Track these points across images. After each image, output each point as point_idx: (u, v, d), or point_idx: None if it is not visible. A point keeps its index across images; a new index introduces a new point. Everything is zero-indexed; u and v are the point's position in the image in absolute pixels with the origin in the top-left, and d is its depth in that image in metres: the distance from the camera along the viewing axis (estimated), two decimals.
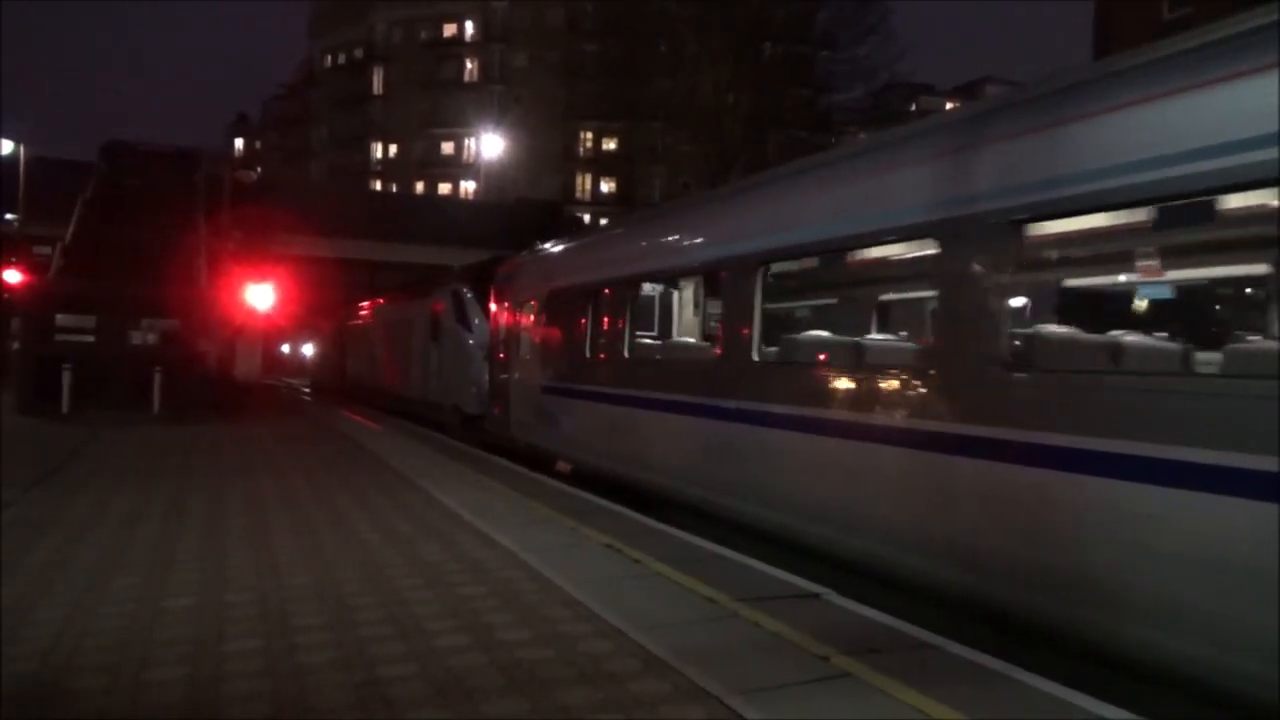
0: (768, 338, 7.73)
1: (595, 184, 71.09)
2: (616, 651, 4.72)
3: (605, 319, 10.71)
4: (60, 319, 19.26)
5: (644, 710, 3.97)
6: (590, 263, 11.90)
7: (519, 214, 42.30)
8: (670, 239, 9.90)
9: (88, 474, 10.75)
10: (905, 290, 9.16)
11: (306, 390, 39.08)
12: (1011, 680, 4.39)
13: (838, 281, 10.40)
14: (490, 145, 51.89)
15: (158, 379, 18.06)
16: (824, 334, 7.67)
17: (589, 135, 70.53)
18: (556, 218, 42.27)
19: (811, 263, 8.85)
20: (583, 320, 11.21)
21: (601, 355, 10.76)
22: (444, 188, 72.56)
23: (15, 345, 20.56)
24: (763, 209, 8.04)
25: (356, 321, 29.78)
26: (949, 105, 67.60)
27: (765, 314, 7.71)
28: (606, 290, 10.70)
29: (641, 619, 5.23)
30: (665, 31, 37.08)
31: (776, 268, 8.07)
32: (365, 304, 29.18)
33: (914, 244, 6.51)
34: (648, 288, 11.16)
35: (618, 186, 68.77)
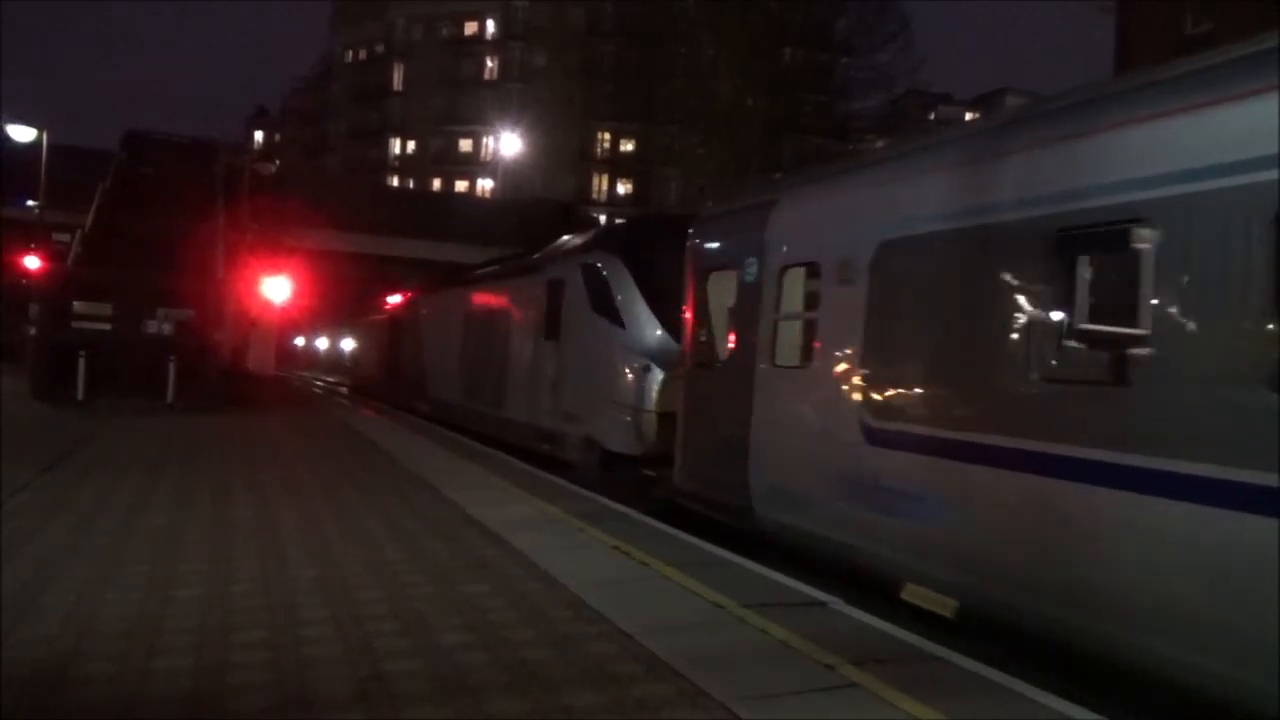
0: None
1: (611, 185, 71.13)
2: (621, 654, 4.70)
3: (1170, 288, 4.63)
4: (77, 306, 19.40)
5: (647, 714, 3.96)
6: (1035, 170, 5.51)
7: (535, 213, 42.35)
8: None
9: (100, 461, 10.80)
10: None
11: (319, 384, 39.26)
12: (1020, 695, 4.36)
13: None
14: (508, 144, 51.96)
15: (172, 369, 18.15)
16: None
17: (606, 136, 70.60)
18: (573, 218, 42.30)
19: None
20: (1025, 295, 5.41)
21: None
22: (460, 185, 72.74)
23: (32, 331, 20.71)
24: None
25: (418, 312, 23.47)
26: (968, 115, 67.40)
27: None
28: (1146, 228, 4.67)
29: (647, 622, 5.21)
30: (684, 34, 37.11)
31: None
32: (431, 288, 22.94)
33: None
34: None
35: (634, 188, 68.78)
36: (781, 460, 7.60)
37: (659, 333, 10.89)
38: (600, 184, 71.35)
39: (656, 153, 51.18)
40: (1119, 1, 25.92)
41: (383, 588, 5.79)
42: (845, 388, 6.89)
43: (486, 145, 69.91)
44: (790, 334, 8.02)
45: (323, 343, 72.71)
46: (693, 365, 9.32)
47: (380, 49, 78.82)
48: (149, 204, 21.31)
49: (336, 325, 54.42)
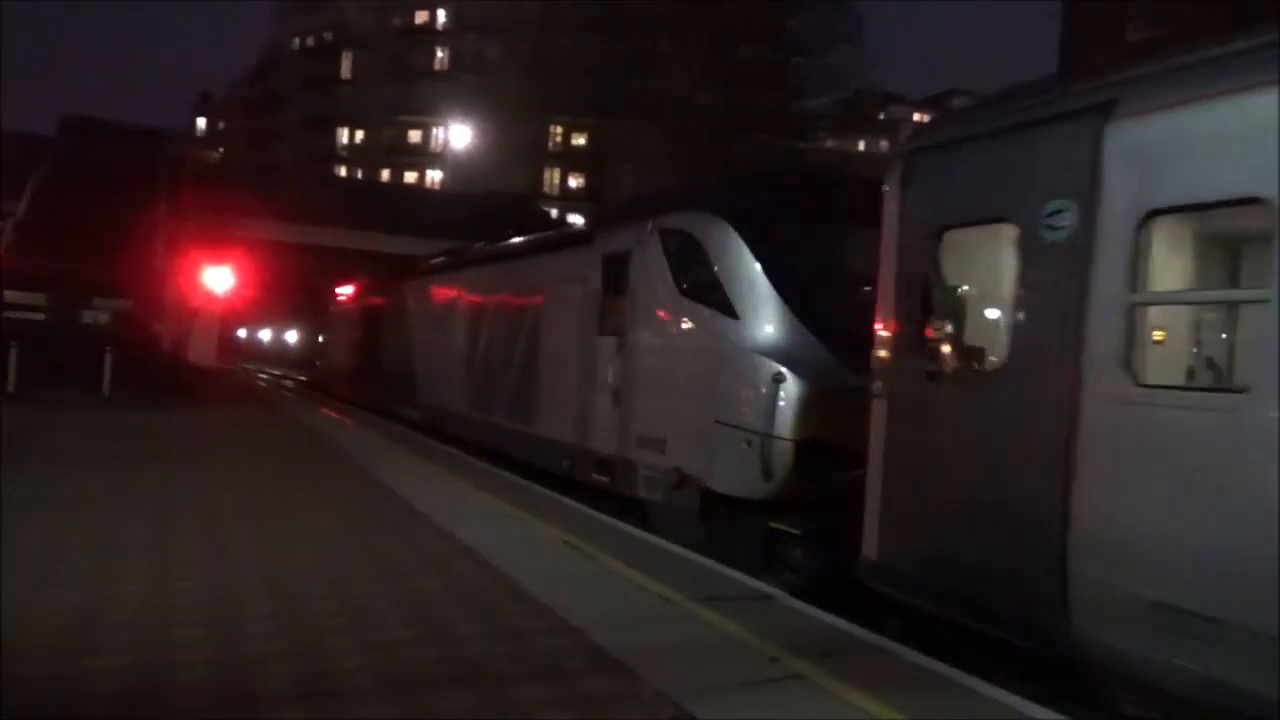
0: None
1: (564, 179, 70.85)
2: (569, 648, 4.70)
3: None
4: (9, 295, 18.84)
5: (594, 708, 3.96)
6: None
7: (488, 206, 42.03)
8: None
9: (33, 456, 10.46)
10: None
11: (262, 377, 38.57)
12: (962, 687, 4.45)
13: None
14: (459, 135, 51.49)
15: (109, 360, 17.71)
16: None
17: (559, 130, 70.26)
18: (527, 211, 42.07)
19: None
20: None
21: None
22: (410, 176, 71.93)
23: None
24: None
25: (406, 298, 19.67)
26: (917, 115, 68.47)
27: None
28: None
29: (595, 617, 5.21)
30: (641, 31, 37.23)
31: None
32: (426, 270, 19.26)
33: None
34: None
35: (586, 182, 68.61)
36: (1172, 558, 4.17)
37: (793, 326, 7.82)
38: (552, 178, 70.99)
39: (610, 147, 51.21)
40: (1064, 6, 26.52)
41: (329, 583, 5.70)
42: None
43: (437, 136, 69.22)
44: (1174, 329, 5.07)
45: (266, 334, 71.55)
46: (904, 378, 5.80)
47: (329, 37, 77.55)
48: (86, 191, 20.74)
49: (286, 316, 53.48)
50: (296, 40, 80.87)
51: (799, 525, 7.14)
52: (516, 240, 15.65)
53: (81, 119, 24.97)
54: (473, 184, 54.97)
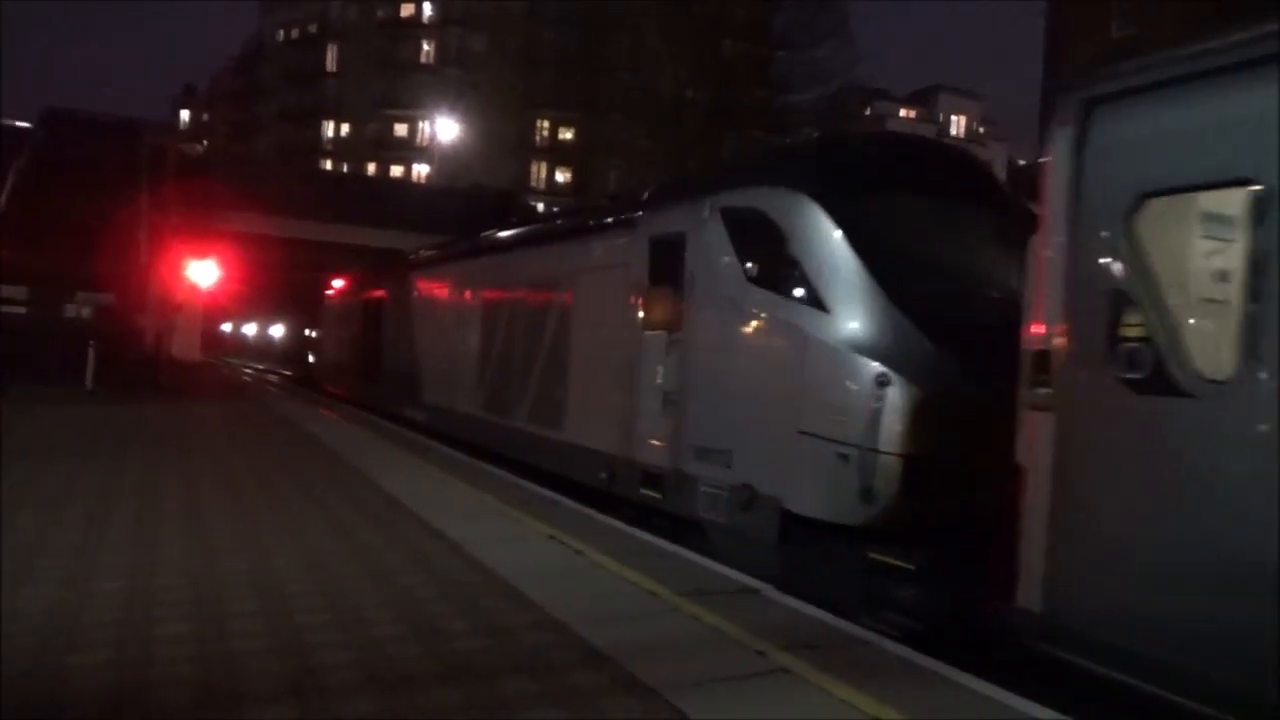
0: None
1: (550, 174, 70.72)
2: (556, 643, 4.70)
3: None
4: None
5: (582, 703, 3.97)
6: None
7: (474, 200, 41.89)
8: None
9: (15, 452, 10.38)
10: None
11: (247, 372, 38.40)
12: (951, 682, 4.48)
13: None
14: (445, 129, 51.32)
15: (91, 354, 17.59)
16: None
17: (545, 124, 70.10)
18: (513, 206, 41.96)
19: None
20: None
21: None
22: (396, 170, 71.63)
23: None
24: None
25: (411, 291, 18.12)
26: (903, 111, 68.77)
27: None
28: None
29: (582, 611, 5.22)
30: (627, 24, 37.18)
31: None
32: (434, 259, 17.79)
33: None
34: None
35: (573, 177, 68.52)
36: None
37: (896, 320, 6.53)
38: (539, 172, 70.86)
39: (597, 142, 51.09)
40: (1049, 5, 26.65)
41: (316, 580, 5.69)
42: None
43: (423, 130, 68.94)
44: None
45: (251, 329, 71.29)
46: (1086, 386, 4.50)
47: (313, 29, 77.07)
48: (68, 184, 20.58)
49: (271, 310, 53.28)
50: (281, 32, 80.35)
51: (910, 558, 5.92)
52: (543, 224, 13.82)
53: (62, 111, 24.78)
54: (459, 178, 54.79)
